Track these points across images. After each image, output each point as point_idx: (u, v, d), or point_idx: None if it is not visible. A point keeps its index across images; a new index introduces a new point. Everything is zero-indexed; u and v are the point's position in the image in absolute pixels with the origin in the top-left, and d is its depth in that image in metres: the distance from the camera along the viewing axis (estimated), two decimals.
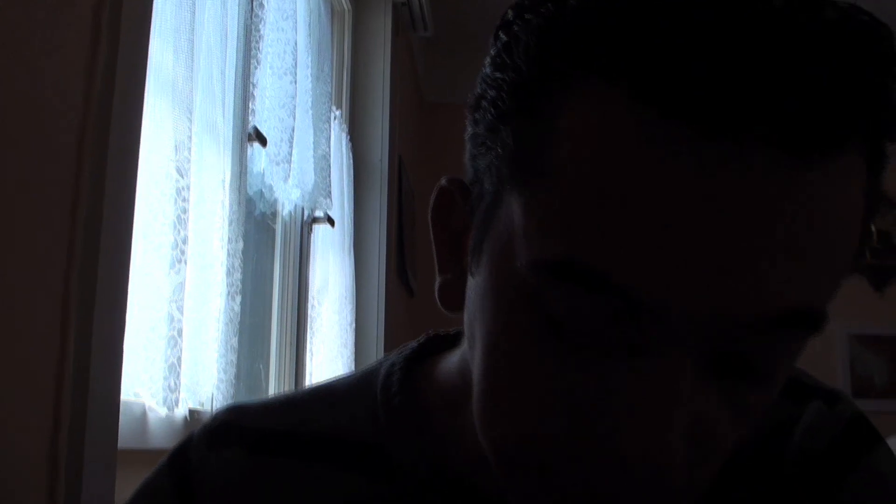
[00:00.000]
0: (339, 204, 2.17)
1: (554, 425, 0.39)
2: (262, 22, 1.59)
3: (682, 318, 0.35)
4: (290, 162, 1.73)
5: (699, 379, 0.37)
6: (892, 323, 3.69)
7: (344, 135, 2.28)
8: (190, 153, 1.19)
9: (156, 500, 0.55)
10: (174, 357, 1.12)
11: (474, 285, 0.43)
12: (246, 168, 1.47)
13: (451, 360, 0.54)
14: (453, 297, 0.47)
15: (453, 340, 0.56)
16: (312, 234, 2.14)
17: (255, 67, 1.55)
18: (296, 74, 1.78)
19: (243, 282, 1.41)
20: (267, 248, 2.02)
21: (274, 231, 2.06)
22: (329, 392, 0.58)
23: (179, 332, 1.12)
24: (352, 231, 2.28)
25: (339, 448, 0.54)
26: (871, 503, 0.50)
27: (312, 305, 2.08)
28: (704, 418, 0.38)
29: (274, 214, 2.02)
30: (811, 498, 0.51)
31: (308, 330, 2.06)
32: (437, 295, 0.49)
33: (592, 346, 0.38)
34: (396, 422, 0.54)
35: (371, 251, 2.42)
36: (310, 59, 1.92)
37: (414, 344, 0.58)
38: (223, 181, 1.37)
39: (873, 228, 3.70)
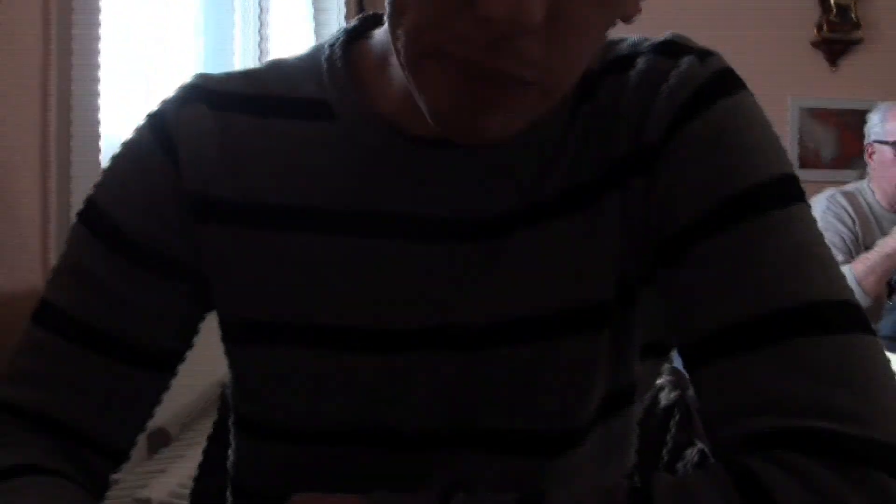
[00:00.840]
0: None
1: (444, 11, 0.50)
2: None
3: None
4: None
5: None
6: (842, 96, 3.77)
7: None
8: None
9: (141, 154, 0.65)
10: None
11: None
12: None
13: (381, 28, 0.65)
14: None
15: None
16: None
17: None
18: None
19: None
20: None
21: None
22: (282, 64, 0.69)
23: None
24: None
25: (289, 104, 0.65)
26: (694, 151, 0.58)
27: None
28: None
29: None
30: (660, 141, 0.59)
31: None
32: None
33: None
34: (337, 80, 0.65)
35: None
36: None
37: (355, 22, 0.68)
38: None
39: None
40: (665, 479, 0.51)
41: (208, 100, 0.65)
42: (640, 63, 0.62)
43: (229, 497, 0.74)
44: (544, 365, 0.62)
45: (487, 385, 0.62)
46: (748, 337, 0.53)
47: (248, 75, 0.68)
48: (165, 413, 1.32)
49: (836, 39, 3.78)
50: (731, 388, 0.53)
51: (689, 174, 0.58)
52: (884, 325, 2.10)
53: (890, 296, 2.13)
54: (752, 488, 0.48)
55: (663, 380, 0.79)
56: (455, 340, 0.62)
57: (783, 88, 3.71)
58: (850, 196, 2.49)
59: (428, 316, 0.62)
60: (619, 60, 0.64)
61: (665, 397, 0.79)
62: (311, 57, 0.67)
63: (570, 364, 0.62)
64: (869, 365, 0.52)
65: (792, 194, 0.57)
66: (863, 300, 2.25)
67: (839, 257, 2.34)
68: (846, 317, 0.53)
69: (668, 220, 0.58)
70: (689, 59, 0.61)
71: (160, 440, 1.32)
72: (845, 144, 3.78)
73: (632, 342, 0.64)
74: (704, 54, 0.62)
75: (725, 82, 0.61)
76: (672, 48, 0.62)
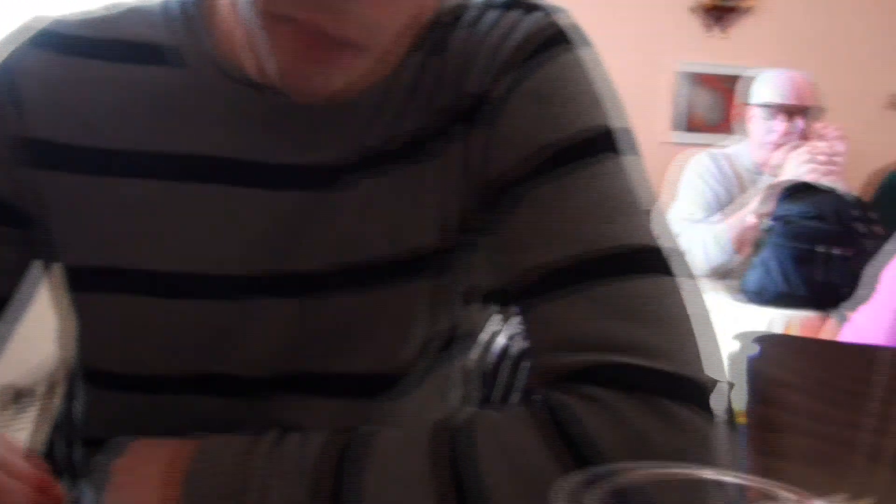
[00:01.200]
0: None
1: None
2: None
3: None
4: None
5: None
6: (731, 62, 3.85)
7: None
8: None
9: None
10: None
11: None
12: None
13: None
14: None
15: None
16: None
17: None
18: None
19: None
20: None
21: None
22: (138, 9, 0.68)
23: None
24: None
25: (140, 50, 0.65)
26: (520, 101, 0.60)
27: None
28: None
29: None
30: (488, 91, 0.61)
31: None
32: None
33: None
34: (189, 26, 0.64)
35: None
36: None
37: None
38: None
39: None
40: (488, 416, 0.55)
41: (57, 44, 0.65)
42: (488, 16, 0.64)
43: (78, 449, 0.73)
44: (370, 310, 0.64)
45: (318, 331, 0.64)
46: (553, 281, 0.57)
47: (103, 19, 0.67)
48: (25, 370, 1.28)
49: (727, 6, 3.86)
50: (538, 328, 0.58)
51: (513, 123, 0.60)
52: (748, 280, 2.20)
53: (756, 252, 2.23)
54: (558, 421, 0.52)
55: (516, 328, 0.82)
56: (289, 287, 0.63)
57: (670, 52, 3.78)
58: (726, 157, 2.59)
59: (264, 262, 0.63)
60: (454, 12, 0.65)
61: (518, 345, 0.82)
62: (167, 3, 0.67)
63: (394, 308, 0.64)
64: (664, 304, 0.56)
65: (607, 147, 0.60)
66: (733, 258, 2.36)
67: (699, 214, 2.49)
68: (644, 260, 0.57)
69: (491, 168, 0.61)
70: (535, 15, 0.63)
71: (20, 396, 1.29)
72: (730, 109, 3.88)
73: (456, 288, 0.66)
74: (551, 10, 0.64)
75: (565, 38, 0.63)
76: (519, 3, 0.64)
